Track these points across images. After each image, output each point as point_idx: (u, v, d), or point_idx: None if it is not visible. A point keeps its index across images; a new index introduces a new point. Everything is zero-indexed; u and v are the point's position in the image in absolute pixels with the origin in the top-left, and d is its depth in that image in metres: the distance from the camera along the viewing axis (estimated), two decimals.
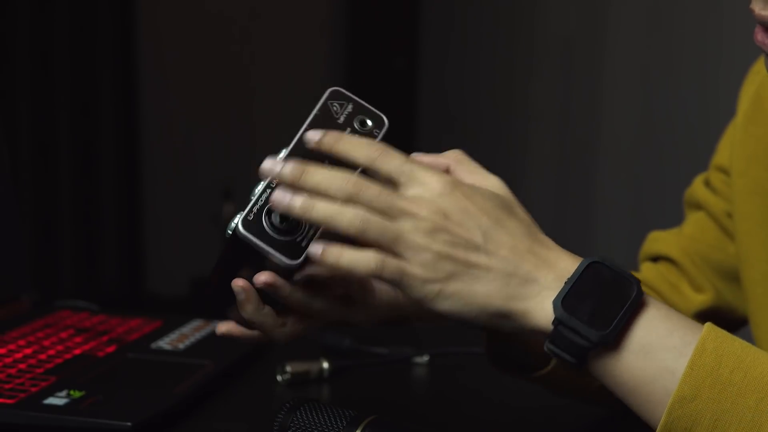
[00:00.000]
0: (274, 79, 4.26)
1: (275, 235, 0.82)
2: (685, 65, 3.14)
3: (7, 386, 1.05)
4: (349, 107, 0.89)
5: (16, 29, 3.68)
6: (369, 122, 0.88)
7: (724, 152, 1.18)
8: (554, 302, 0.78)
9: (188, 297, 3.94)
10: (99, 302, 1.44)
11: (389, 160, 0.82)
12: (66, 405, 1.01)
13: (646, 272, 1.22)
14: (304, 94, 4.27)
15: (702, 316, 1.17)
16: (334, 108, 0.88)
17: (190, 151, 4.27)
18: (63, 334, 1.26)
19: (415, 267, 0.79)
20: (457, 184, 0.81)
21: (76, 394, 1.04)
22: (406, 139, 4.09)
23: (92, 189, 4.00)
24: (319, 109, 0.88)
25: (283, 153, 0.85)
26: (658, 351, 0.78)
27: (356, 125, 0.87)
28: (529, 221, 0.83)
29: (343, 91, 0.89)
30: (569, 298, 0.78)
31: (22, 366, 1.12)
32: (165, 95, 4.23)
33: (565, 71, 3.59)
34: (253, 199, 0.84)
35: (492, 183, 0.85)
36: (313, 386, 1.17)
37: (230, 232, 0.82)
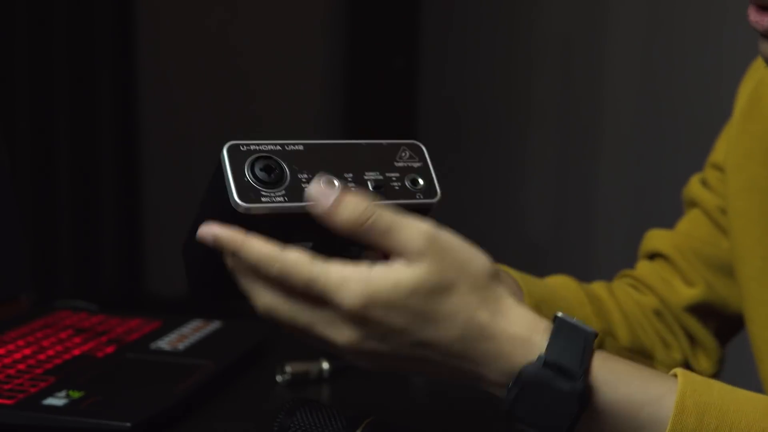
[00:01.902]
0: (273, 78, 4.25)
1: (249, 177, 0.79)
2: (686, 63, 3.14)
3: (6, 387, 1.05)
4: (416, 164, 0.86)
5: (15, 28, 3.68)
6: (421, 184, 0.85)
7: (720, 149, 1.19)
8: (505, 405, 0.77)
9: (187, 297, 3.92)
10: (98, 302, 1.44)
11: (297, 275, 0.75)
12: (65, 405, 1.01)
13: (642, 269, 1.23)
14: (304, 94, 4.28)
15: (693, 309, 1.18)
16: (403, 154, 0.86)
17: (190, 151, 4.27)
18: (62, 335, 1.26)
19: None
20: (370, 302, 0.74)
21: (76, 394, 1.04)
22: (406, 139, 4.09)
23: (91, 189, 4.00)
24: (388, 144, 0.86)
25: (300, 143, 0.82)
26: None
27: (407, 180, 0.85)
28: (464, 307, 0.76)
29: (425, 150, 0.86)
30: (516, 404, 0.76)
31: (21, 366, 1.12)
32: (164, 95, 4.23)
33: (565, 70, 3.59)
34: (260, 141, 0.82)
35: (414, 272, 0.76)
36: (312, 387, 1.17)
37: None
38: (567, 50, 3.57)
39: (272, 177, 0.80)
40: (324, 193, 0.77)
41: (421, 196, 0.85)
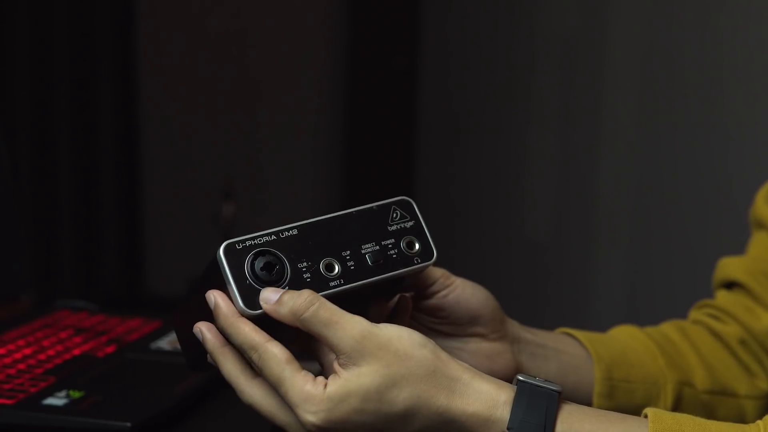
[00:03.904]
0: (274, 78, 4.25)
1: (249, 278, 0.80)
2: (688, 63, 3.14)
3: (6, 386, 1.05)
4: (409, 223, 0.87)
5: (15, 26, 3.68)
6: (417, 247, 0.86)
7: None
8: None
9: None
10: (98, 302, 1.44)
11: (269, 370, 0.79)
12: (65, 405, 1.01)
13: (722, 299, 1.20)
14: (305, 94, 4.28)
15: None
16: (395, 214, 0.87)
17: (190, 151, 4.27)
18: (62, 334, 1.26)
19: None
20: (328, 420, 0.77)
21: (76, 394, 1.03)
22: (406, 139, 4.09)
23: (92, 189, 4.00)
24: (379, 206, 0.87)
25: (294, 227, 0.84)
26: None
27: (403, 244, 0.86)
28: (418, 396, 0.78)
29: (415, 206, 0.87)
30: None
31: (21, 366, 1.12)
32: (164, 95, 4.23)
33: (565, 69, 3.59)
34: (255, 234, 0.83)
35: (365, 378, 0.78)
36: None
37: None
38: (567, 49, 3.57)
39: (274, 275, 0.81)
40: (269, 296, 0.80)
41: (419, 260, 0.86)
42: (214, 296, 0.81)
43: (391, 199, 0.87)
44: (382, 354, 0.77)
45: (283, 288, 0.81)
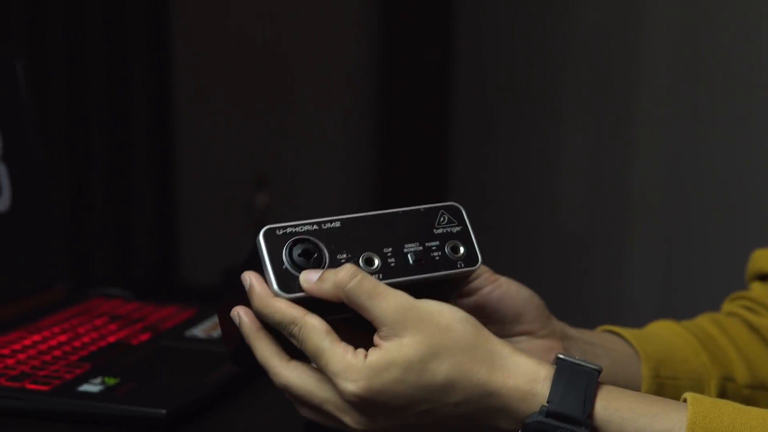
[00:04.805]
0: (307, 69, 4.25)
1: (286, 263, 0.80)
2: (722, 54, 3.12)
3: (41, 373, 1.05)
4: (455, 228, 0.86)
5: (47, 10, 3.69)
6: (462, 251, 0.85)
7: None
8: None
9: (221, 287, 3.94)
10: (132, 291, 1.45)
11: (309, 341, 0.79)
12: (100, 392, 1.01)
13: (757, 291, 1.18)
14: (337, 85, 4.28)
15: None
16: (442, 218, 0.86)
17: (224, 140, 4.28)
18: (97, 322, 1.26)
19: None
20: (370, 389, 0.77)
21: (111, 381, 1.04)
22: (440, 131, 4.08)
23: (125, 178, 4.01)
24: (426, 209, 0.86)
25: (337, 220, 0.83)
26: None
27: (448, 248, 0.85)
28: (458, 369, 0.78)
29: (464, 213, 0.86)
30: None
31: (56, 353, 1.12)
32: (199, 85, 4.24)
33: (601, 62, 3.57)
34: (296, 222, 0.83)
35: (402, 345, 0.78)
36: None
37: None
38: (602, 41, 3.55)
39: (311, 262, 0.81)
40: (310, 276, 0.80)
41: (462, 264, 0.85)
42: (249, 277, 0.81)
43: (440, 203, 0.87)
44: (424, 326, 0.77)
45: None
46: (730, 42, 3.08)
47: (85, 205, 3.86)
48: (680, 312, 1.26)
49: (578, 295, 3.50)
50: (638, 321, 1.16)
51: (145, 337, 1.22)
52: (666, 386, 1.03)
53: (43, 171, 1.42)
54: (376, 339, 0.79)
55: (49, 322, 1.24)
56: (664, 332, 1.11)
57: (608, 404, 0.78)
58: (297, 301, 0.80)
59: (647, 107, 3.38)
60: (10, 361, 1.08)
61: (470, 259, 0.85)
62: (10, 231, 1.34)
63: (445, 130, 4.08)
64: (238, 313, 0.83)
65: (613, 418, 0.77)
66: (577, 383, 0.78)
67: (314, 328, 0.78)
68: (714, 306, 1.23)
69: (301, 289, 0.80)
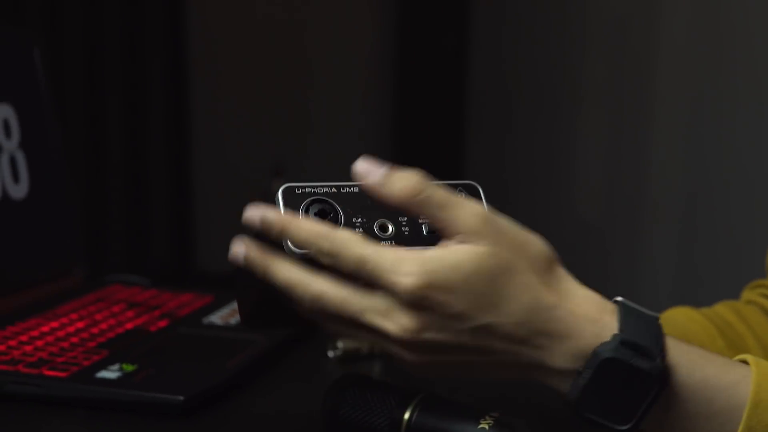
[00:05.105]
0: (323, 56, 4.25)
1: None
2: (742, 43, 3.11)
3: (59, 360, 1.05)
4: None
5: (65, 6, 3.70)
6: None
7: None
8: (568, 400, 0.74)
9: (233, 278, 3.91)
10: (149, 278, 1.45)
11: (347, 254, 0.72)
12: (118, 378, 1.01)
13: None
14: (353, 72, 4.27)
15: None
16: (459, 195, 0.84)
17: (241, 127, 4.28)
18: (115, 308, 1.26)
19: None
20: (429, 284, 0.70)
21: (129, 367, 1.04)
22: (456, 118, 4.07)
23: (143, 166, 4.02)
24: (444, 185, 0.82)
25: (356, 185, 0.80)
26: (700, 425, 0.75)
27: None
28: (527, 288, 0.73)
29: (481, 192, 0.84)
30: (582, 399, 0.73)
31: (74, 340, 1.12)
32: (216, 72, 4.24)
33: (619, 50, 3.56)
34: (315, 183, 0.82)
35: (475, 252, 0.72)
36: (364, 362, 1.17)
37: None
38: (620, 28, 3.54)
39: (326, 222, 0.80)
40: (373, 168, 0.75)
41: None
42: (254, 213, 0.76)
43: (459, 180, 0.86)
44: (500, 239, 0.73)
45: None
46: (748, 30, 3.07)
47: (103, 193, 3.87)
48: (699, 300, 1.26)
49: (595, 285, 3.49)
50: (656, 310, 1.15)
51: (162, 323, 1.22)
52: None
53: (61, 158, 1.42)
54: (443, 242, 0.74)
55: (67, 309, 1.24)
56: (680, 318, 1.10)
57: (677, 345, 0.75)
58: (303, 261, 0.78)
59: (665, 97, 3.37)
60: (28, 348, 1.09)
61: None
62: (28, 218, 1.34)
63: (462, 118, 4.08)
64: (244, 243, 0.76)
65: (682, 360, 0.75)
66: (646, 320, 0.75)
67: (350, 238, 0.73)
68: (733, 294, 1.22)
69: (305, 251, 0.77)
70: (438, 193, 0.74)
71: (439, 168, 3.66)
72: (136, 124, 3.97)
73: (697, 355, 0.77)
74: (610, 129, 3.60)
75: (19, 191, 1.33)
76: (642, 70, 3.46)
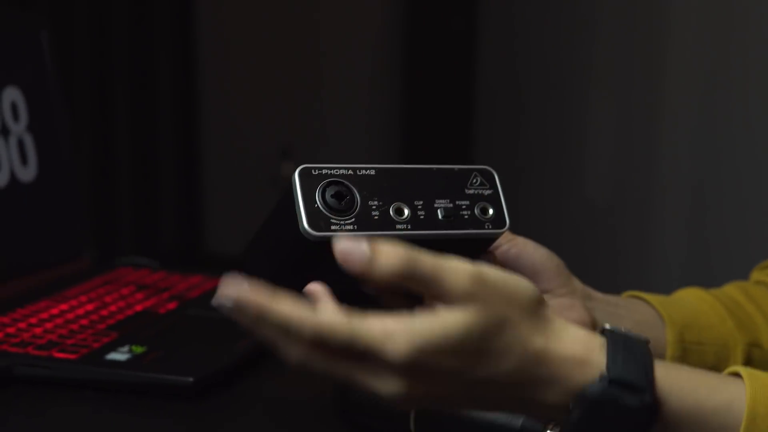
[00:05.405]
0: (331, 39, 4.25)
1: (318, 202, 0.79)
2: (755, 24, 3.10)
3: (69, 342, 1.06)
4: (487, 191, 0.85)
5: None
6: (491, 213, 0.84)
7: None
8: (567, 429, 0.74)
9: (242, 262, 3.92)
10: (158, 260, 1.45)
11: (335, 338, 0.69)
12: (128, 360, 1.02)
13: None
14: (362, 55, 4.27)
15: None
16: (475, 180, 0.85)
17: (249, 111, 4.28)
18: (124, 291, 1.27)
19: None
20: (420, 354, 0.69)
21: (138, 349, 1.04)
22: (465, 101, 4.07)
23: (151, 148, 4.02)
24: (460, 169, 0.85)
25: (372, 168, 0.81)
26: None
27: (477, 209, 0.83)
28: (519, 339, 0.72)
29: (496, 177, 0.85)
30: (579, 426, 0.73)
31: (84, 322, 1.13)
32: (225, 52, 4.24)
33: (629, 33, 3.55)
34: (332, 165, 0.82)
35: (465, 316, 0.71)
36: None
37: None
38: (631, 9, 3.53)
39: (342, 204, 0.79)
40: (354, 247, 0.71)
41: (490, 226, 0.84)
42: (230, 292, 0.70)
43: (474, 165, 0.86)
44: (491, 296, 0.71)
45: (350, 220, 0.79)
46: (763, 6, 3.06)
47: (111, 176, 3.88)
48: (708, 281, 1.26)
49: (606, 270, 3.49)
50: (666, 292, 1.15)
51: (172, 305, 1.23)
52: (691, 351, 1.03)
53: (69, 141, 1.42)
54: (429, 304, 0.72)
55: (76, 292, 1.24)
56: (690, 298, 1.10)
57: (667, 373, 0.75)
58: (317, 244, 0.78)
59: (676, 80, 3.36)
60: (37, 330, 1.09)
61: (498, 221, 0.85)
62: (37, 201, 1.34)
63: (471, 100, 4.07)
64: (236, 285, 0.70)
65: (673, 388, 0.74)
66: (634, 351, 0.74)
67: (333, 320, 0.69)
68: (742, 275, 1.22)
69: (329, 230, 0.78)
70: (424, 264, 0.71)
71: (449, 152, 3.64)
72: (145, 108, 3.97)
73: (688, 378, 0.76)
74: (620, 112, 3.60)
75: (27, 174, 1.33)
76: (653, 53, 3.45)
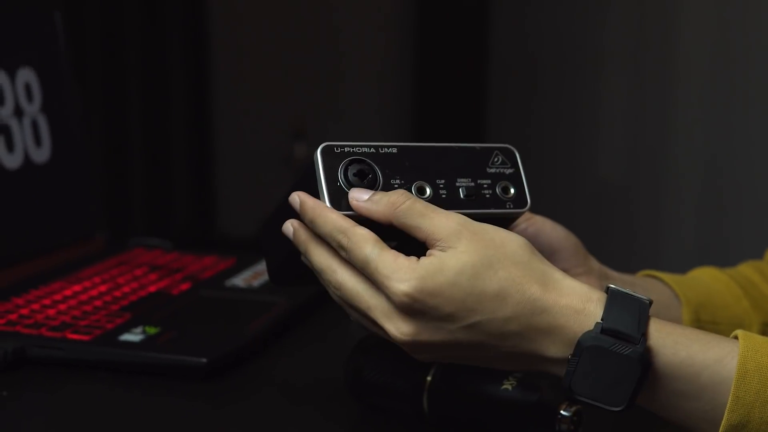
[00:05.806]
0: (343, 18, 4.24)
1: (341, 180, 0.80)
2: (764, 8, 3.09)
3: (82, 323, 1.06)
4: (508, 170, 0.86)
5: None
6: (512, 192, 0.85)
7: None
8: (562, 386, 0.77)
9: (258, 238, 3.92)
10: (170, 241, 1.45)
11: (357, 251, 0.77)
12: (141, 341, 1.02)
13: None
14: (374, 33, 4.26)
15: None
16: (496, 159, 0.86)
17: (262, 90, 4.27)
18: (137, 272, 1.27)
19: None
20: (419, 290, 0.75)
21: (152, 330, 1.04)
22: (478, 78, 4.05)
23: (164, 129, 4.02)
24: (482, 148, 0.86)
25: (394, 146, 0.83)
26: (690, 401, 0.77)
27: (499, 188, 0.84)
28: (511, 282, 0.76)
29: (518, 156, 0.86)
30: (573, 385, 0.76)
31: (97, 303, 1.13)
32: (237, 32, 4.23)
33: (642, 10, 3.54)
34: (354, 143, 0.82)
35: (455, 254, 0.77)
36: None
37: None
38: None
39: (365, 183, 0.80)
40: (362, 191, 0.80)
41: (511, 205, 0.85)
42: (298, 195, 0.81)
43: (496, 144, 0.86)
44: (479, 239, 0.77)
45: None
46: None
47: (124, 157, 3.88)
48: (723, 260, 1.25)
49: (620, 246, 3.49)
50: (680, 270, 1.15)
51: (185, 286, 1.23)
52: (706, 330, 1.03)
53: (82, 122, 1.42)
54: (429, 252, 0.77)
55: (90, 273, 1.25)
56: (705, 278, 1.10)
57: (661, 327, 0.78)
58: None
59: (689, 55, 3.35)
60: (51, 312, 1.09)
61: (519, 201, 0.85)
62: (50, 182, 1.34)
63: (484, 76, 4.06)
64: (292, 224, 0.82)
65: (666, 341, 0.77)
66: (630, 306, 0.77)
67: (363, 237, 0.77)
68: (757, 254, 1.22)
69: (350, 208, 0.80)
70: (418, 203, 0.78)
71: (462, 128, 3.63)
72: (157, 89, 3.97)
73: (681, 334, 0.78)
74: (634, 91, 3.59)
75: (41, 155, 1.33)
76: (669, 31, 3.43)
